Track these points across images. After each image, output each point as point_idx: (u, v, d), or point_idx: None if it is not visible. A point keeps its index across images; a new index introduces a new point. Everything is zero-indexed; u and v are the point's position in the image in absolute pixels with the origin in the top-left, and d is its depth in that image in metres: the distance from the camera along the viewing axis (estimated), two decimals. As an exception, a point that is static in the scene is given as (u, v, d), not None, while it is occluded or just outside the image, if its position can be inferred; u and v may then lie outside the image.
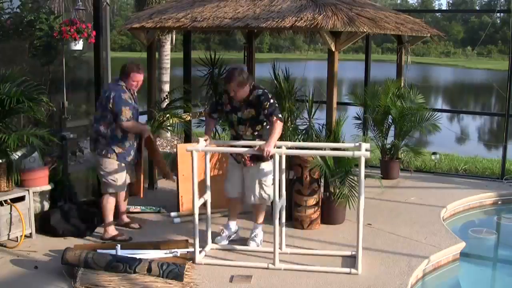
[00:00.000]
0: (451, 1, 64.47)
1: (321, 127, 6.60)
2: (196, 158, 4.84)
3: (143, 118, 7.51)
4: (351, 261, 4.94)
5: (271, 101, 4.97)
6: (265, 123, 5.08)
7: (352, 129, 7.98)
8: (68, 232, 5.50)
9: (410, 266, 4.90)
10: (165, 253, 4.98)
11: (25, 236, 5.31)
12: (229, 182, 5.39)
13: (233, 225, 5.51)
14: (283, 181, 5.06)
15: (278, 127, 4.90)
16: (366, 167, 7.48)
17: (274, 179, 4.78)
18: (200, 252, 4.99)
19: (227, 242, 5.40)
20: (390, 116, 7.92)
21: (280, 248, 5.02)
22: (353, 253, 4.98)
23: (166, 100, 7.87)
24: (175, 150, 7.48)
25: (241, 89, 4.90)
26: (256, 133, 5.12)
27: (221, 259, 5.02)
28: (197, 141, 5.06)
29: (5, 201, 5.22)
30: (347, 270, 4.76)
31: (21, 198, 5.34)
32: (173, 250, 5.04)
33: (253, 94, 4.98)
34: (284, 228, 5.18)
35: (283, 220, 5.17)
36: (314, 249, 5.27)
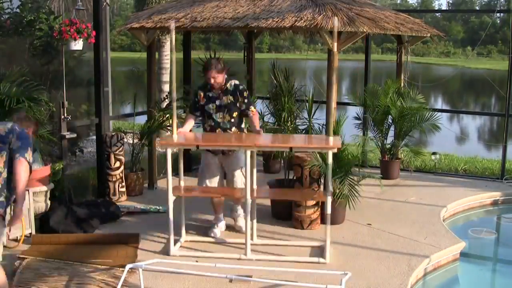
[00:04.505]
0: (451, 1, 64.40)
1: (321, 127, 6.60)
2: (170, 155, 4.89)
3: (143, 118, 7.52)
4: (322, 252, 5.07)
5: (247, 92, 5.50)
6: (237, 112, 5.40)
7: (352, 129, 7.98)
8: (67, 233, 5.49)
9: (410, 266, 4.90)
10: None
11: (25, 236, 5.31)
12: (207, 179, 5.52)
13: (222, 217, 5.75)
14: (254, 175, 5.29)
15: (258, 116, 5.61)
16: (366, 167, 7.58)
17: (245, 173, 4.95)
18: (175, 244, 5.14)
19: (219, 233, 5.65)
20: (390, 116, 7.92)
21: (252, 239, 5.21)
22: (322, 244, 5.16)
23: (166, 100, 7.88)
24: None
25: (220, 75, 5.27)
26: (233, 120, 5.40)
27: (195, 250, 5.20)
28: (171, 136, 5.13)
29: (5, 201, 5.21)
30: (315, 259, 4.95)
31: (21, 198, 5.32)
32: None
33: (230, 83, 5.38)
34: (255, 221, 5.35)
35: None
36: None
